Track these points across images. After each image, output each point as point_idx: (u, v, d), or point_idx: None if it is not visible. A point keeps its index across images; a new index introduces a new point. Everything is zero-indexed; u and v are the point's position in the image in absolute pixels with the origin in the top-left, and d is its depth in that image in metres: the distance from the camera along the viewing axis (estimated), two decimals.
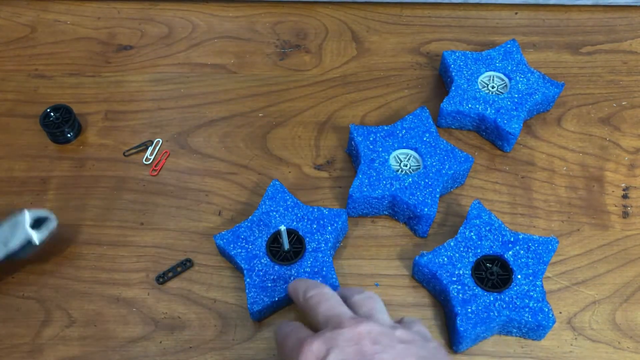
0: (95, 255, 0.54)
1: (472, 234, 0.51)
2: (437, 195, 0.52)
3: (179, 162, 0.59)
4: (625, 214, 0.55)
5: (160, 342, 0.49)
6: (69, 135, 0.60)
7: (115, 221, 0.55)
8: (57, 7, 0.71)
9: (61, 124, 0.59)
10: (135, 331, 0.50)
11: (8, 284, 0.52)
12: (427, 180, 0.53)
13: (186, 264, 0.53)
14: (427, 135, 0.56)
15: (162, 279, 0.52)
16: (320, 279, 0.49)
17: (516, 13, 0.69)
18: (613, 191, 0.56)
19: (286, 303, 0.50)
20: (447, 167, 0.54)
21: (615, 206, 0.56)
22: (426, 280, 0.51)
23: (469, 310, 0.47)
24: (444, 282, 0.48)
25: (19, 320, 0.50)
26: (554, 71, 0.64)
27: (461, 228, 0.51)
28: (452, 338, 0.48)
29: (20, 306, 0.51)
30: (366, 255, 0.53)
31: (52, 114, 0.60)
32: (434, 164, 0.54)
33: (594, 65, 0.65)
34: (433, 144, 0.55)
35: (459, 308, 0.47)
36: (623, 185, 0.57)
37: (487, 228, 0.51)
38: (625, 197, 0.56)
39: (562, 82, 0.60)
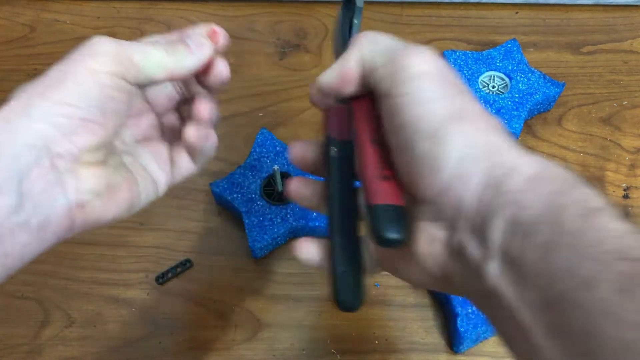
0: (94, 255, 0.53)
1: None
2: None
3: None
4: (626, 214, 0.55)
5: (160, 343, 0.49)
6: None
7: (115, 221, 0.55)
8: (56, 7, 0.71)
9: None
10: (135, 332, 0.50)
11: (7, 284, 0.52)
12: None
13: (186, 264, 0.52)
14: None
15: (162, 279, 0.52)
16: (315, 214, 0.52)
17: (517, 12, 0.69)
18: (614, 191, 0.56)
19: (284, 239, 0.53)
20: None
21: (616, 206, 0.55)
22: None
23: (470, 310, 0.47)
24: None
25: (18, 321, 0.50)
26: (555, 71, 0.64)
27: None
28: (452, 339, 0.48)
29: (20, 306, 0.51)
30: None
31: None
32: None
33: (595, 65, 0.65)
34: None
35: (460, 309, 0.47)
36: (624, 185, 0.57)
37: None
38: (626, 197, 0.56)
39: (563, 82, 0.60)
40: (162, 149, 0.36)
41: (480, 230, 0.26)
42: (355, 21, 0.36)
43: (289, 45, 0.67)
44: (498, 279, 0.25)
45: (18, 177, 0.27)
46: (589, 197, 0.25)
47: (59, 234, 0.30)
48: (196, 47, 0.33)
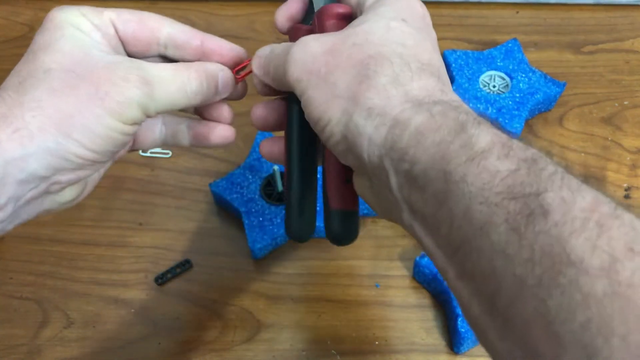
0: (93, 256, 0.53)
1: None
2: None
3: (179, 162, 0.58)
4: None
5: (159, 344, 0.49)
6: None
7: (114, 221, 0.55)
8: (55, 6, 0.70)
9: None
10: (134, 332, 0.50)
11: (6, 285, 0.52)
12: None
13: (185, 265, 0.52)
14: None
15: (161, 279, 0.52)
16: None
17: (517, 12, 0.69)
18: (615, 191, 0.56)
19: (283, 239, 0.53)
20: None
21: None
22: (427, 281, 0.50)
23: None
24: (445, 283, 0.48)
25: (17, 321, 0.50)
26: (556, 70, 0.64)
27: None
28: (453, 339, 0.48)
29: (18, 307, 0.51)
30: (366, 255, 0.53)
31: None
32: None
33: (596, 65, 0.64)
34: None
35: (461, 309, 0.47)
36: (625, 185, 0.56)
37: None
38: (627, 197, 0.56)
39: (564, 82, 0.59)
40: None
41: (387, 186, 0.28)
42: None
43: None
44: (414, 226, 0.27)
45: (17, 200, 0.29)
46: (474, 139, 0.25)
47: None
48: (223, 88, 0.38)
